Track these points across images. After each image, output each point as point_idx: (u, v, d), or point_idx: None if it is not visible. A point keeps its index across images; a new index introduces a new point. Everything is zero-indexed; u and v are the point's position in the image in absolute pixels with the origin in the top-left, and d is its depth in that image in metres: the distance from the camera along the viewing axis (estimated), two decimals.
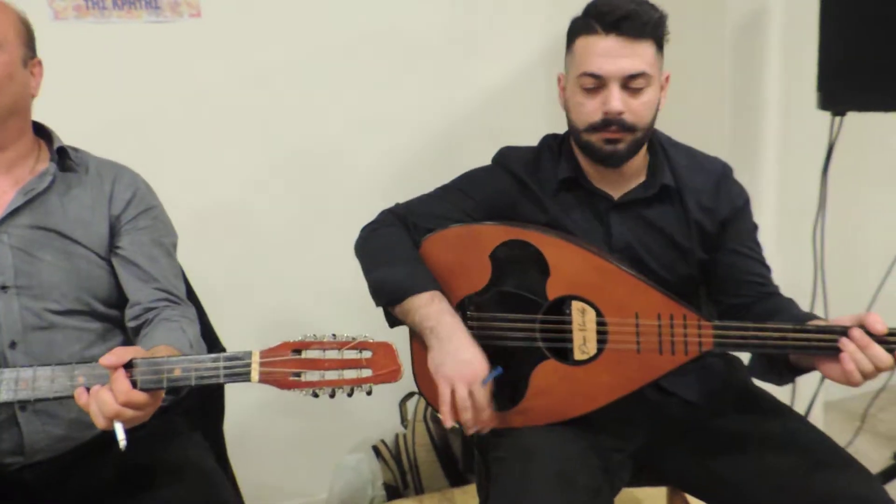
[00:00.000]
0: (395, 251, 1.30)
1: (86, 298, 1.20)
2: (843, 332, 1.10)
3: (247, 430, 2.13)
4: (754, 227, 1.40)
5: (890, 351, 1.08)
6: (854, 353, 1.09)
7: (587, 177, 1.35)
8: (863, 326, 1.10)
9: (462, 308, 1.30)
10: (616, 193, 1.34)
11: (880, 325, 1.10)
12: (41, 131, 1.26)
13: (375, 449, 2.21)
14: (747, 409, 1.33)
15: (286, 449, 2.21)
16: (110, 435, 1.18)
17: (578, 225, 1.33)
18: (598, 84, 1.23)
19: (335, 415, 2.21)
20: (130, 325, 1.22)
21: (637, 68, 1.21)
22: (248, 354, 0.99)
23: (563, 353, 1.26)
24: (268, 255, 2.10)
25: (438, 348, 1.19)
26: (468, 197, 1.37)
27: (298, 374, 0.99)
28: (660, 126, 1.37)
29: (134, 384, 0.97)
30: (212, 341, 1.53)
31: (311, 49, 2.05)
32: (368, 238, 1.35)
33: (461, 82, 2.19)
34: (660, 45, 1.25)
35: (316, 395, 1.00)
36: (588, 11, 1.26)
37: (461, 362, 1.17)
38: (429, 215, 1.35)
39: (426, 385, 1.32)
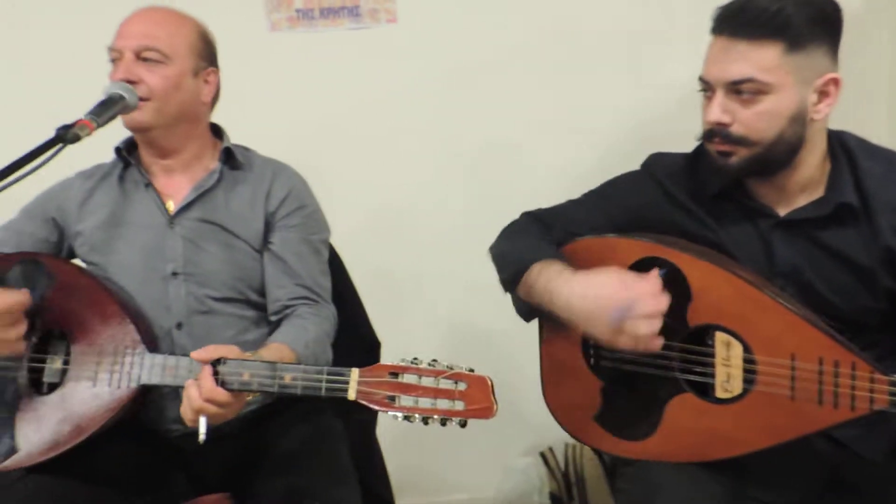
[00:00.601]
0: (521, 238, 1.27)
1: (241, 287, 1.31)
2: None
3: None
4: None
5: None
6: None
7: (748, 189, 1.20)
8: None
9: None
10: (783, 210, 1.18)
11: None
12: (218, 132, 1.40)
13: (543, 456, 2.17)
14: None
15: (457, 443, 2.25)
16: (261, 413, 1.31)
17: (737, 243, 1.20)
18: (709, 90, 1.12)
19: (507, 416, 2.20)
20: (272, 318, 1.32)
21: (742, 74, 1.07)
22: (348, 371, 1.02)
23: (703, 389, 1.14)
24: (448, 254, 2.14)
25: (575, 311, 1.11)
26: (613, 204, 1.29)
27: (393, 398, 1.00)
28: None
29: (220, 383, 1.04)
30: (370, 342, 1.60)
31: (498, 50, 2.05)
32: (503, 236, 1.32)
33: (652, 82, 2.05)
34: (793, 45, 1.06)
35: (408, 420, 1.00)
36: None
37: (598, 308, 1.08)
38: (569, 220, 1.29)
39: (551, 394, 1.28)
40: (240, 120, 1.97)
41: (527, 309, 1.25)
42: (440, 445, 2.25)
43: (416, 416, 0.99)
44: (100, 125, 1.11)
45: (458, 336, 2.15)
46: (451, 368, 1.00)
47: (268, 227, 1.33)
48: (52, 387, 1.20)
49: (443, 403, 0.99)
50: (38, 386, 1.21)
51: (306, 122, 2.05)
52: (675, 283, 1.14)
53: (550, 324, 1.24)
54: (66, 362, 1.19)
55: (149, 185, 1.31)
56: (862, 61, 1.96)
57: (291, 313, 1.30)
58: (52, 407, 1.18)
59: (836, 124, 1.21)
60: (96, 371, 1.17)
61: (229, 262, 1.30)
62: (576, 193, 1.42)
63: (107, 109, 1.14)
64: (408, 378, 1.00)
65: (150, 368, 1.15)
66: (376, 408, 1.00)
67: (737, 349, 1.11)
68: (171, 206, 1.31)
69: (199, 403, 1.04)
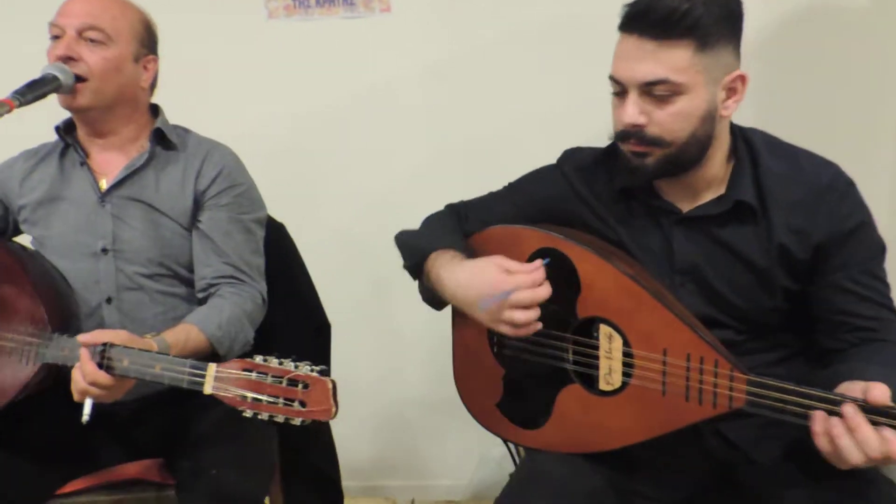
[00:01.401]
0: (430, 227, 1.32)
1: (169, 264, 1.39)
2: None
3: (412, 402, 2.27)
4: (871, 257, 1.15)
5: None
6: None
7: (654, 187, 1.22)
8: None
9: None
10: (686, 207, 1.20)
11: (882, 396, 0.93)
12: (156, 113, 1.49)
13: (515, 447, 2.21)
14: (842, 485, 1.08)
15: (443, 430, 2.29)
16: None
17: (639, 240, 1.22)
18: (620, 90, 1.12)
19: None
20: (199, 296, 1.41)
21: (655, 75, 1.06)
22: (206, 366, 1.08)
23: (590, 381, 1.17)
24: None
25: (458, 297, 1.17)
26: (524, 196, 1.33)
27: (245, 397, 1.04)
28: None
29: (101, 366, 1.11)
30: (319, 324, 1.68)
31: (493, 41, 2.08)
32: (420, 226, 1.37)
33: None
34: (704, 44, 1.06)
35: (258, 416, 1.04)
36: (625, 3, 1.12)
37: (477, 296, 1.12)
38: (484, 210, 1.34)
39: (461, 380, 1.33)
40: (235, 105, 2.12)
41: (430, 296, 1.30)
42: (427, 431, 2.31)
43: (264, 413, 1.04)
44: (23, 104, 1.21)
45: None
46: (298, 368, 1.04)
47: (197, 206, 1.41)
48: None
49: (286, 403, 1.03)
50: None
51: (300, 109, 2.14)
52: (566, 275, 1.18)
53: (460, 311, 1.28)
54: None
55: (84, 163, 1.41)
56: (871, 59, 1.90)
57: (214, 292, 1.38)
58: None
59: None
60: (12, 347, 1.27)
61: (156, 239, 1.39)
62: None
63: (35, 89, 1.24)
64: (257, 376, 1.04)
65: (53, 348, 1.23)
66: (229, 404, 1.05)
67: (617, 342, 1.14)
68: (104, 184, 1.40)
69: (83, 386, 1.13)
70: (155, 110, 1.48)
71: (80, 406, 1.15)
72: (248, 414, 1.04)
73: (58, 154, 1.43)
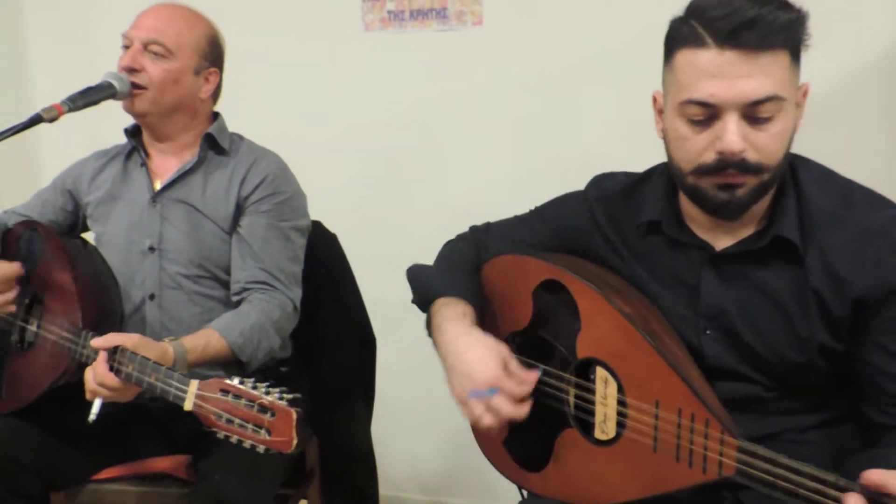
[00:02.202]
0: (445, 263, 1.29)
1: (208, 266, 1.46)
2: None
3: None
4: None
5: None
6: None
7: (686, 221, 1.11)
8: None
9: (507, 343, 1.22)
10: (718, 244, 1.08)
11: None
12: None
13: None
14: None
15: None
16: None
17: (662, 278, 1.13)
18: (709, 114, 0.97)
19: None
20: (233, 299, 1.47)
21: (765, 92, 0.94)
22: (188, 383, 1.11)
23: (588, 427, 1.11)
24: None
25: (447, 365, 1.12)
26: (546, 225, 1.27)
27: (220, 416, 1.07)
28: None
29: (112, 370, 1.18)
30: (364, 337, 1.71)
31: (585, 54, 2.03)
32: (438, 256, 1.34)
33: None
34: (796, 54, 0.96)
35: (228, 439, 1.07)
36: (694, 12, 0.98)
37: (464, 378, 1.08)
38: (504, 238, 1.29)
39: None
40: (330, 112, 2.21)
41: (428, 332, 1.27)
42: None
43: (234, 437, 1.06)
44: (73, 109, 1.33)
45: None
46: (268, 395, 1.05)
47: (239, 211, 1.47)
48: (30, 345, 1.44)
49: (254, 429, 1.05)
50: (23, 343, 1.46)
51: (392, 119, 2.20)
52: (569, 311, 1.12)
53: None
54: (39, 326, 1.42)
55: (144, 164, 1.53)
56: None
57: (246, 297, 1.43)
58: (24, 363, 1.43)
59: None
60: (52, 340, 1.37)
61: (196, 241, 1.47)
62: None
63: (89, 95, 1.36)
64: (233, 399, 1.06)
65: (81, 346, 1.32)
66: (204, 424, 1.08)
67: (612, 388, 1.06)
68: (158, 185, 1.51)
69: (93, 386, 1.21)
70: (215, 117, 1.57)
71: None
72: (221, 436, 1.07)
73: (124, 155, 1.57)
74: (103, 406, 1.24)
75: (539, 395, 1.16)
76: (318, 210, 1.67)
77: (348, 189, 2.25)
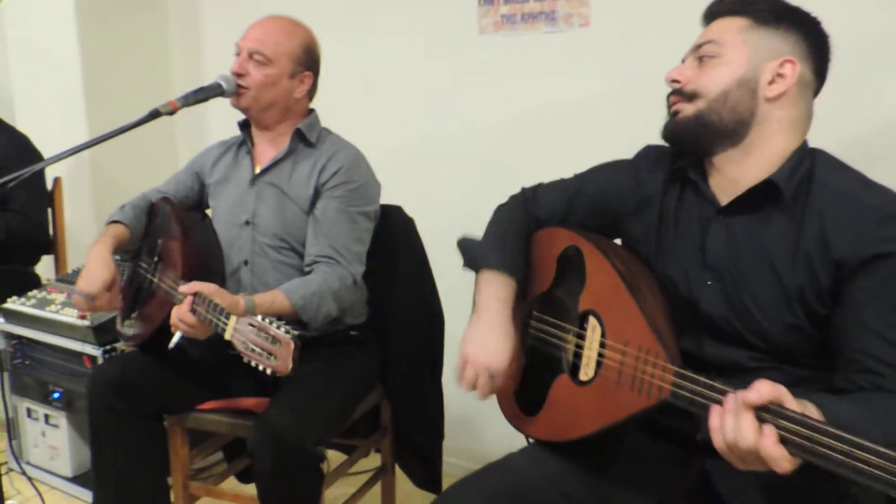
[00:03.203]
0: (495, 230, 1.43)
1: (289, 240, 1.73)
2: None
3: None
4: None
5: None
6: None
7: (706, 174, 1.23)
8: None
9: (529, 306, 1.37)
10: (726, 200, 1.19)
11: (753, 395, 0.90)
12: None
13: None
14: None
15: None
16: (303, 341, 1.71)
17: (680, 227, 1.24)
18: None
19: None
20: (305, 269, 1.72)
21: (704, 37, 1.18)
22: (230, 318, 1.37)
23: (577, 370, 1.23)
24: None
25: (472, 324, 1.30)
26: (583, 192, 1.39)
27: (246, 345, 1.32)
28: None
29: (191, 311, 1.45)
30: (432, 314, 1.92)
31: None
32: (491, 220, 1.48)
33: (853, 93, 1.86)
34: (757, 22, 1.15)
35: (249, 363, 1.33)
36: None
37: (482, 346, 1.26)
38: (545, 204, 1.43)
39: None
40: (446, 110, 2.43)
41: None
42: None
43: (253, 361, 1.32)
44: (186, 105, 1.63)
45: None
46: (279, 328, 1.29)
47: (316, 195, 1.73)
48: (153, 293, 1.77)
49: (267, 356, 1.29)
50: (151, 291, 1.79)
51: (502, 117, 2.39)
52: (579, 270, 1.26)
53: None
54: (158, 278, 1.74)
55: (248, 152, 1.84)
56: None
57: (314, 268, 1.69)
58: (148, 305, 1.77)
59: None
60: (164, 290, 1.68)
61: (282, 218, 1.75)
62: None
63: (200, 94, 1.67)
64: (255, 330, 1.32)
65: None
66: (238, 349, 1.35)
67: (597, 333, 1.18)
68: (258, 170, 1.80)
69: (174, 321, 1.49)
70: (310, 113, 1.86)
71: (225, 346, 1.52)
72: (246, 360, 1.34)
73: (237, 145, 1.89)
74: (183, 339, 1.55)
75: (545, 345, 1.29)
76: (426, 202, 1.87)
77: (457, 185, 2.44)
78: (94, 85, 2.71)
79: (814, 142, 1.20)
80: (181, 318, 1.49)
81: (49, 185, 2.61)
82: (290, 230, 1.75)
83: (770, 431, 0.86)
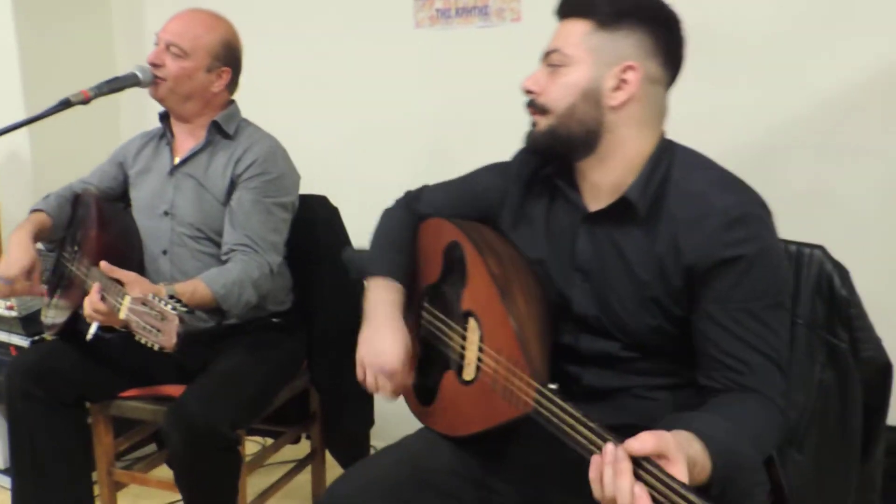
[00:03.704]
0: (379, 236, 1.49)
1: (206, 230, 1.78)
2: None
3: None
4: (756, 297, 1.11)
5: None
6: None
7: (575, 181, 1.27)
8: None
9: (424, 295, 1.44)
10: (593, 206, 1.24)
11: (636, 444, 0.88)
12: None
13: None
14: None
15: None
16: (222, 330, 1.78)
17: (552, 228, 1.29)
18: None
19: None
20: (222, 258, 1.78)
21: (552, 45, 1.19)
22: (124, 298, 1.42)
23: (461, 369, 1.30)
24: None
25: (364, 330, 1.34)
26: (467, 192, 1.45)
27: (138, 323, 1.39)
28: None
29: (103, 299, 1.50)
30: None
31: None
32: (376, 226, 1.54)
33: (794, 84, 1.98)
34: (600, 25, 1.15)
35: (140, 340, 1.39)
36: None
37: (374, 349, 1.31)
38: (430, 203, 1.48)
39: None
40: (382, 101, 2.48)
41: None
42: None
43: (143, 338, 1.39)
44: (98, 95, 1.67)
45: None
46: (167, 305, 1.34)
47: (232, 186, 1.79)
48: (69, 281, 1.83)
49: (155, 332, 1.36)
50: (66, 279, 1.86)
51: (437, 109, 2.45)
52: (461, 268, 1.32)
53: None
54: (73, 266, 1.81)
55: (168, 143, 1.89)
56: None
57: (231, 257, 1.74)
58: (64, 293, 1.83)
59: None
60: (80, 275, 1.75)
61: (199, 209, 1.80)
62: None
63: (114, 83, 1.70)
64: (145, 309, 1.38)
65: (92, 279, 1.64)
66: (132, 329, 1.40)
67: (476, 336, 1.25)
68: (176, 161, 1.86)
69: (88, 311, 1.54)
70: (230, 104, 1.90)
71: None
72: (137, 338, 1.40)
73: (159, 136, 1.93)
74: (100, 329, 1.60)
75: (434, 339, 1.36)
76: (365, 191, 1.91)
77: (395, 175, 2.48)
78: (33, 72, 2.70)
79: (739, 131, 1.23)
80: (92, 305, 1.53)
81: None
82: (207, 221, 1.80)
83: (641, 492, 0.87)
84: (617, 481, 0.88)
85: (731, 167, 1.21)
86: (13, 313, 2.11)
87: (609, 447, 0.91)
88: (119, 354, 1.83)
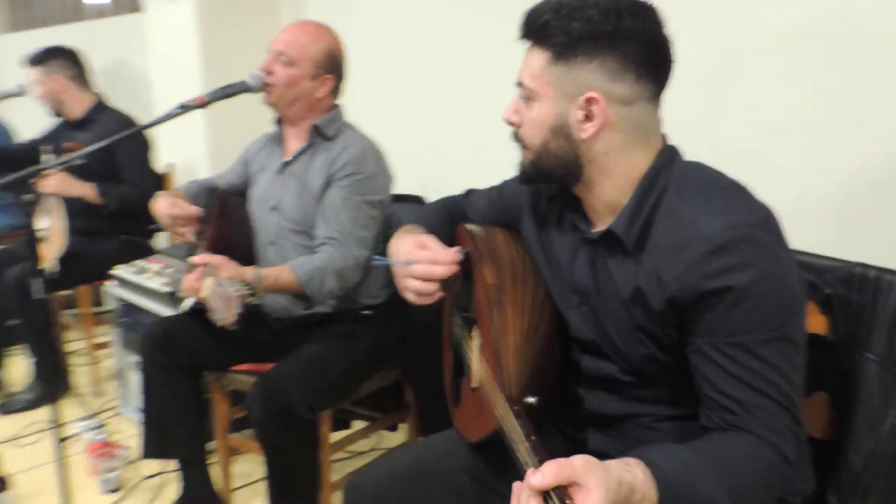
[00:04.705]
0: (420, 212, 1.56)
1: (304, 224, 1.95)
2: None
3: None
4: (747, 331, 1.03)
5: None
6: None
7: (581, 203, 1.24)
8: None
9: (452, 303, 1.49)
10: (590, 229, 1.22)
11: (535, 479, 0.86)
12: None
13: None
14: None
15: None
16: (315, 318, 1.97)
17: (554, 248, 1.28)
18: None
19: None
20: (314, 249, 1.93)
21: (519, 76, 1.15)
22: (206, 280, 1.68)
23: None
24: None
25: (390, 251, 1.38)
26: (500, 197, 1.46)
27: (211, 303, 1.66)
28: None
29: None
30: None
31: (738, 45, 2.03)
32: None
33: None
34: (558, 55, 1.09)
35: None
36: None
37: (402, 246, 1.34)
38: (472, 207, 1.52)
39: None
40: (491, 108, 2.52)
41: None
42: None
43: (214, 315, 1.66)
44: (213, 100, 1.88)
45: None
46: (231, 287, 1.59)
47: (327, 184, 1.95)
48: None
49: (224, 311, 1.62)
50: None
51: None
52: (469, 273, 1.35)
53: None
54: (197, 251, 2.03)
55: (280, 144, 2.08)
56: None
57: (320, 249, 1.91)
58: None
59: None
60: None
61: (299, 205, 1.98)
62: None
63: (227, 90, 1.91)
64: (217, 289, 1.64)
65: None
66: (207, 305, 1.67)
67: (476, 345, 1.29)
68: (284, 161, 2.05)
69: (184, 287, 1.78)
70: (333, 109, 2.06)
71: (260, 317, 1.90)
72: (208, 314, 1.67)
73: (275, 138, 2.14)
74: (196, 304, 1.86)
75: (458, 346, 1.42)
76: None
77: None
78: (212, 67, 3.10)
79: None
80: (188, 283, 1.77)
81: (164, 170, 3.11)
82: (306, 216, 1.98)
83: None
84: None
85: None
86: (167, 289, 2.44)
87: (516, 485, 0.89)
88: (234, 332, 2.06)
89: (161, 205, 2.01)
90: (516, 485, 0.90)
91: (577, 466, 0.86)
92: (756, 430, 1.02)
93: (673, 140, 1.19)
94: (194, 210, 2.04)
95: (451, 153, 2.66)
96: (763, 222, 1.05)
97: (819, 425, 1.28)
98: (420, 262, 1.28)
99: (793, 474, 1.06)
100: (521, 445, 1.00)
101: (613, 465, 0.92)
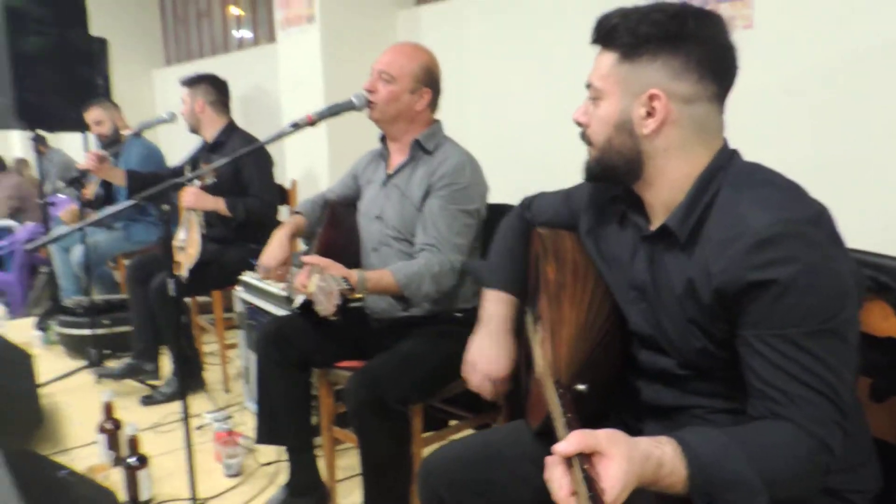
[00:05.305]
0: (498, 244, 1.65)
1: (405, 233, 2.11)
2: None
3: None
4: (794, 324, 1.06)
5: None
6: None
7: (641, 201, 1.30)
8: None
9: (528, 302, 1.58)
10: (649, 226, 1.28)
11: (561, 445, 0.96)
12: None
13: None
14: None
15: None
16: (414, 319, 2.11)
17: (613, 247, 1.35)
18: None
19: None
20: (414, 255, 2.07)
21: (588, 77, 1.23)
22: (314, 278, 1.84)
23: None
24: None
25: (476, 336, 1.55)
26: (565, 201, 1.54)
27: (318, 296, 1.82)
28: None
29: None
30: None
31: (852, 57, 2.10)
32: (495, 235, 1.69)
33: None
34: (625, 55, 1.17)
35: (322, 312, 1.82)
36: None
37: (483, 354, 1.52)
38: (539, 211, 1.61)
39: None
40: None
41: None
42: None
43: (317, 307, 1.83)
44: (320, 119, 2.06)
45: None
46: (336, 283, 1.77)
47: (426, 195, 2.10)
48: None
49: (325, 303, 1.78)
50: None
51: None
52: (538, 275, 1.45)
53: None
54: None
55: (385, 158, 2.25)
56: None
57: (419, 255, 2.05)
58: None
59: None
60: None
61: (400, 215, 2.13)
62: None
63: (334, 109, 2.09)
64: (322, 285, 1.80)
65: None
66: (313, 299, 1.84)
67: (539, 338, 1.37)
68: (388, 174, 2.22)
69: (296, 285, 1.96)
70: (433, 123, 2.21)
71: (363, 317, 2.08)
72: (313, 306, 1.84)
73: (381, 153, 2.31)
74: (307, 301, 2.05)
75: (528, 342, 1.51)
76: None
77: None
78: (333, 88, 3.38)
79: None
80: (299, 281, 1.95)
81: (288, 185, 3.39)
82: (407, 225, 2.13)
83: (564, 483, 0.94)
84: (551, 474, 0.96)
85: None
86: (285, 293, 2.66)
87: (548, 458, 0.97)
88: (340, 331, 2.25)
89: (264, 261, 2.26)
90: (548, 458, 0.99)
91: (602, 437, 0.95)
92: (798, 419, 1.05)
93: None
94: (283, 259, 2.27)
95: (547, 164, 2.72)
96: (814, 218, 1.08)
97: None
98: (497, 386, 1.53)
99: (851, 471, 1.08)
100: (559, 422, 1.08)
101: (644, 440, 0.99)
